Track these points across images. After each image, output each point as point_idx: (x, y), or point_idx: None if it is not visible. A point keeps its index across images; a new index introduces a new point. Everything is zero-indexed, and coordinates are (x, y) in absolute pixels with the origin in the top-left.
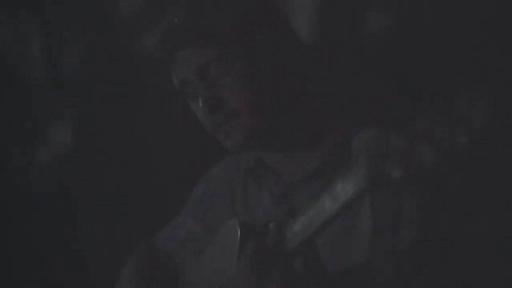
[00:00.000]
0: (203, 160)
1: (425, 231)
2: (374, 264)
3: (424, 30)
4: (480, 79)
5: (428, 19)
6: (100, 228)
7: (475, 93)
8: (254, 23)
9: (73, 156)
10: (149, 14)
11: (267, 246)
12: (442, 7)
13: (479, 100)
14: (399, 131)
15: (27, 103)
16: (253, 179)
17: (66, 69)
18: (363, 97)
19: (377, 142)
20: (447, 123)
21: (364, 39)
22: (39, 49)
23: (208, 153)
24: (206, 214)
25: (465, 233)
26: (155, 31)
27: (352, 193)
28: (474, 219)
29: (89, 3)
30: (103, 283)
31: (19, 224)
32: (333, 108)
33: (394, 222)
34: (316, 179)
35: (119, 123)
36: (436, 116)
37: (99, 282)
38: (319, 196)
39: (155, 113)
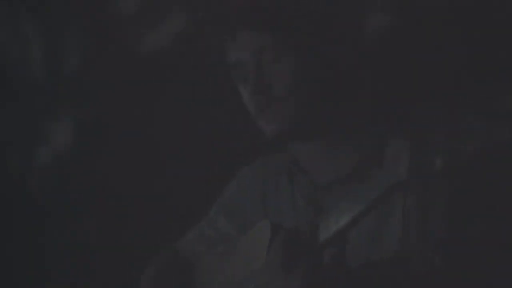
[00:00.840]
0: (203, 160)
1: (454, 230)
2: (402, 259)
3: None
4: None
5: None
6: (100, 228)
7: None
8: (312, 15)
9: (73, 156)
10: (149, 14)
11: (298, 239)
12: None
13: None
14: (442, 128)
15: (27, 103)
16: (286, 181)
17: (66, 69)
18: (400, 104)
19: (413, 146)
20: (489, 118)
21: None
22: (39, 49)
23: (208, 152)
24: (237, 214)
25: (495, 234)
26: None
27: (384, 188)
28: (506, 220)
29: (89, 3)
30: (103, 283)
31: (19, 224)
32: (372, 112)
33: (423, 219)
34: (349, 182)
35: (119, 123)
36: (478, 111)
37: (99, 282)
38: (352, 192)
39: (155, 113)
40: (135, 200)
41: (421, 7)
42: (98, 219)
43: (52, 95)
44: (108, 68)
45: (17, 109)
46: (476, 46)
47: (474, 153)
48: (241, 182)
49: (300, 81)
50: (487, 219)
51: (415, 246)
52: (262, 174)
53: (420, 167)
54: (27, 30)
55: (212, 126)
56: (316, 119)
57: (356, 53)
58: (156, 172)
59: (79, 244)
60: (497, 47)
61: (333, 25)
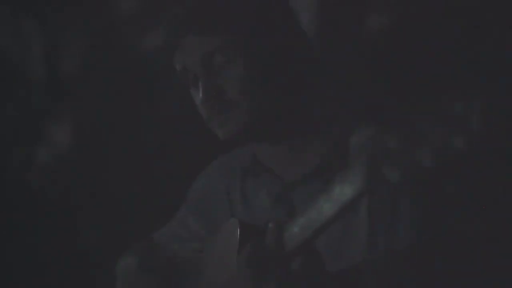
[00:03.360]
0: (203, 159)
1: (421, 233)
2: (371, 265)
3: (421, 30)
4: (476, 81)
5: (425, 20)
6: (100, 228)
7: (471, 94)
8: (261, 14)
9: (73, 156)
10: (149, 14)
11: (266, 245)
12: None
13: (475, 101)
14: (396, 133)
15: (27, 103)
16: (251, 178)
17: (66, 69)
18: (360, 96)
19: (375, 143)
20: (443, 125)
21: (362, 38)
22: (39, 49)
23: (208, 151)
24: (205, 214)
25: (460, 235)
26: (161, 19)
27: (350, 194)
28: (470, 221)
29: (89, 3)
30: (103, 283)
31: (19, 224)
32: (330, 106)
33: (389, 223)
34: (314, 179)
35: (119, 122)
36: (433, 118)
37: (99, 282)
38: (317, 198)
39: (155, 113)
40: (135, 200)
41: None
42: (98, 219)
43: (52, 95)
44: (108, 68)
45: (17, 109)
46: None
47: (429, 162)
48: (206, 180)
49: (252, 83)
50: (452, 221)
51: (383, 250)
52: (226, 172)
53: (377, 175)
54: (27, 30)
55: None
56: (272, 121)
57: (309, 51)
58: (156, 172)
59: (79, 243)
60: (488, 47)
61: (283, 23)
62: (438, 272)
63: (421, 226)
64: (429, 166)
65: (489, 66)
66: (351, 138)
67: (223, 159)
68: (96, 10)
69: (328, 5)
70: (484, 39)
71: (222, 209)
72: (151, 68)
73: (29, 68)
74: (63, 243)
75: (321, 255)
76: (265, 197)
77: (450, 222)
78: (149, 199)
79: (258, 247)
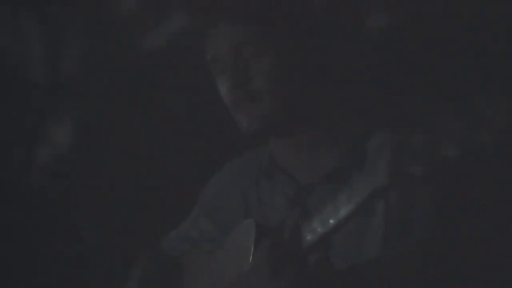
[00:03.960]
0: (203, 159)
1: (437, 232)
2: (385, 263)
3: (439, 27)
4: (500, 75)
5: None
6: (100, 228)
7: (496, 90)
8: (292, 8)
9: (73, 155)
10: (149, 14)
11: (283, 243)
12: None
13: (500, 98)
14: (420, 129)
15: (27, 103)
16: (266, 179)
17: (66, 69)
18: (377, 98)
19: (397, 141)
20: (468, 120)
21: (371, 38)
22: (39, 49)
23: (209, 152)
24: (218, 214)
25: (479, 234)
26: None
27: (368, 192)
28: (491, 220)
29: (89, 3)
30: (103, 283)
31: (19, 224)
32: (349, 108)
33: (405, 222)
34: (330, 181)
35: (119, 122)
36: (457, 113)
37: (99, 282)
38: (335, 195)
39: (155, 113)
40: (135, 200)
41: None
42: (98, 219)
43: (52, 95)
44: (108, 68)
45: (17, 108)
46: (471, 48)
47: (454, 155)
48: (220, 181)
49: (280, 76)
50: (468, 220)
51: (397, 248)
52: (241, 173)
53: (400, 169)
54: (27, 30)
55: (212, 125)
56: (295, 116)
57: (339, 48)
58: (157, 172)
59: (79, 244)
60: (493, 50)
61: (316, 19)
62: (450, 269)
63: (436, 226)
64: (453, 160)
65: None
66: (369, 141)
67: (238, 161)
68: (96, 10)
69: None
70: (506, 35)
71: (236, 211)
72: (151, 68)
73: (29, 68)
74: (63, 243)
75: (336, 251)
76: (280, 198)
77: (468, 221)
78: (150, 199)
79: (274, 245)
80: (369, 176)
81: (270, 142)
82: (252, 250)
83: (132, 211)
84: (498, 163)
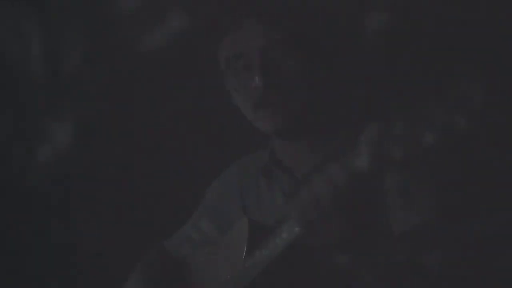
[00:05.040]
0: (203, 160)
1: (432, 212)
2: (391, 240)
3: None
4: (477, 63)
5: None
6: (101, 228)
7: (472, 76)
8: (321, 13)
9: (73, 155)
10: (149, 14)
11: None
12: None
13: (476, 83)
14: (399, 116)
15: (27, 102)
16: (265, 178)
17: (66, 69)
18: (370, 95)
19: (378, 128)
20: (446, 106)
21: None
22: (39, 48)
23: (210, 153)
24: (219, 217)
25: (467, 213)
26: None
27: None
28: (474, 199)
29: (89, 3)
30: (103, 283)
31: (19, 223)
32: (347, 106)
33: (404, 203)
34: (323, 169)
35: (119, 122)
36: (435, 100)
37: (99, 282)
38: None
39: (156, 113)
40: (136, 200)
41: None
42: (98, 218)
43: (52, 94)
44: (108, 68)
45: (17, 108)
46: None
47: (434, 141)
48: (221, 185)
49: (305, 78)
50: (446, 202)
51: (402, 226)
52: (240, 174)
53: (381, 155)
54: (27, 29)
55: (212, 125)
56: (309, 119)
57: (361, 52)
58: (157, 171)
59: (79, 243)
60: (491, 43)
61: (339, 23)
62: (450, 252)
63: (430, 203)
64: (431, 144)
65: (489, 49)
66: (360, 135)
67: (239, 163)
68: (96, 10)
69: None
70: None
71: (236, 211)
72: (151, 68)
73: (29, 68)
74: (63, 243)
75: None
76: (278, 196)
77: (455, 201)
78: (150, 199)
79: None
80: (354, 159)
81: (273, 141)
82: (245, 249)
83: (133, 211)
84: (475, 147)
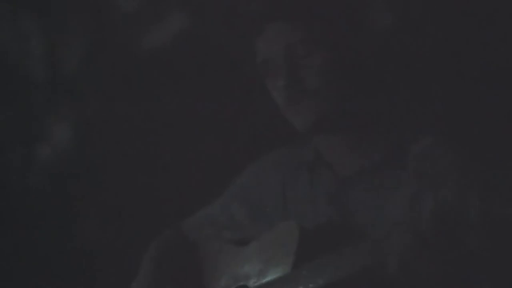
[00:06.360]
0: (203, 160)
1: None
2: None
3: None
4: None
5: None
6: (101, 228)
7: None
8: (345, 10)
9: (73, 155)
10: (149, 14)
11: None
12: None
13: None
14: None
15: (27, 101)
16: (309, 173)
17: (66, 69)
18: (424, 102)
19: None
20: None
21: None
22: (39, 47)
23: (210, 153)
24: (254, 204)
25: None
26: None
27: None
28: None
29: (89, 3)
30: (103, 283)
31: (19, 223)
32: (397, 108)
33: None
34: (370, 175)
35: (119, 121)
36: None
37: (100, 282)
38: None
39: (156, 112)
40: (136, 200)
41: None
42: (99, 218)
43: (52, 94)
44: (108, 67)
45: (17, 107)
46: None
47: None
48: (260, 169)
49: (332, 75)
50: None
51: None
52: (282, 166)
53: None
54: (27, 28)
55: (212, 126)
56: (345, 113)
57: (387, 47)
58: (156, 171)
59: (79, 242)
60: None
61: (364, 18)
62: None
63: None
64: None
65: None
66: (412, 145)
67: (279, 153)
68: (96, 10)
69: None
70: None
71: (274, 204)
72: (151, 68)
73: (29, 68)
74: (63, 243)
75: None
76: (321, 196)
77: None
78: (151, 199)
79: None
80: (412, 175)
81: (316, 138)
82: (294, 256)
83: (134, 210)
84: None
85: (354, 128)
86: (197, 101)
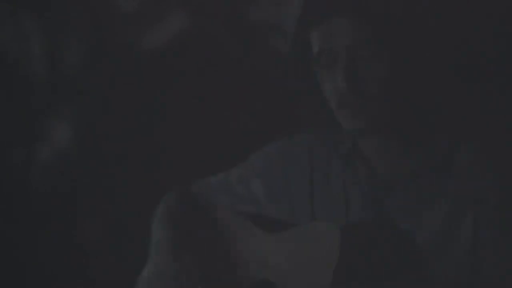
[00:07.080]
0: (203, 159)
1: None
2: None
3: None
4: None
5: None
6: (101, 227)
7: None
8: (412, 15)
9: (73, 155)
10: (149, 14)
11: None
12: None
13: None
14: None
15: (27, 101)
16: (341, 165)
17: (66, 69)
18: (472, 109)
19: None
20: None
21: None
22: (39, 47)
23: (210, 153)
24: (276, 182)
25: None
26: None
27: (458, 197)
28: None
29: (89, 3)
30: (103, 283)
31: (19, 223)
32: (445, 115)
33: (497, 239)
34: (413, 180)
35: (119, 121)
36: None
37: (100, 282)
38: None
39: (156, 112)
40: (136, 199)
41: None
42: (99, 218)
43: (52, 93)
44: (108, 67)
45: (17, 107)
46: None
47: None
48: (285, 149)
49: (391, 80)
50: None
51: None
52: (311, 151)
53: (495, 183)
54: (27, 28)
55: (212, 126)
56: (394, 119)
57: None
58: (157, 171)
59: (80, 242)
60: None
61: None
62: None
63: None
64: None
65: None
66: (457, 153)
67: (308, 138)
68: (96, 10)
69: None
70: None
71: (299, 187)
72: (151, 68)
73: (29, 68)
74: (63, 243)
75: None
76: (355, 194)
77: None
78: (151, 198)
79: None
80: (457, 184)
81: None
82: (333, 263)
83: (134, 210)
84: None
85: (398, 133)
86: (197, 101)
